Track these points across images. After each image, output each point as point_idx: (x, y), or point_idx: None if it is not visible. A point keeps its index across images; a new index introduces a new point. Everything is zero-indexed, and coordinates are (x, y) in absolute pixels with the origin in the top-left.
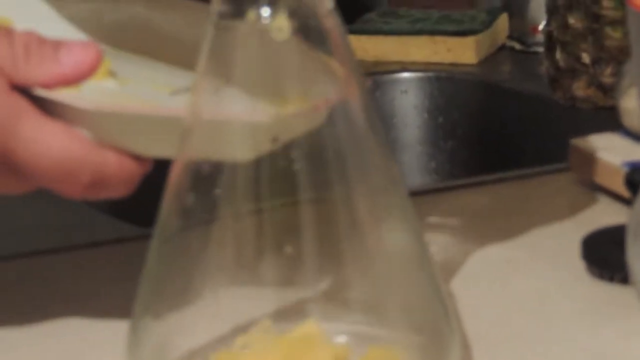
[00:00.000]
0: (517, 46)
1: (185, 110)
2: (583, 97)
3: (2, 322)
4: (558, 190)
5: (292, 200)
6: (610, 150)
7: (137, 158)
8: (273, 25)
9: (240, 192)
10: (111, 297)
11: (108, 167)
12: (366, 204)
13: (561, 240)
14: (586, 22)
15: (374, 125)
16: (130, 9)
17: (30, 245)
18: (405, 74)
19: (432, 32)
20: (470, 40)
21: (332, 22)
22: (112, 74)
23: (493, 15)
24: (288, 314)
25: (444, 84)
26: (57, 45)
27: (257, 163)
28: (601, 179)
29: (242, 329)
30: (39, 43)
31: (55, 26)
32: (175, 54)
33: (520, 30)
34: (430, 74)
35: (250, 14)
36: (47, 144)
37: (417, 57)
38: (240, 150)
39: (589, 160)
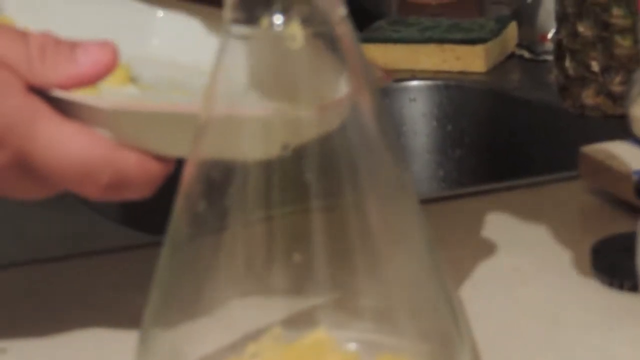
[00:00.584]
0: (526, 54)
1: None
2: (592, 106)
3: (14, 328)
4: (567, 198)
5: (303, 208)
6: (620, 159)
7: (158, 158)
8: (286, 33)
9: (251, 200)
10: (122, 305)
11: (129, 168)
12: (377, 212)
13: (571, 248)
14: (595, 31)
15: (386, 133)
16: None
17: (41, 253)
18: (414, 82)
19: (441, 41)
20: (479, 49)
21: (344, 29)
22: (132, 80)
23: (502, 24)
24: (298, 322)
25: (453, 92)
26: (73, 45)
27: (269, 170)
28: (611, 187)
29: (252, 337)
30: (54, 44)
31: (70, 26)
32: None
33: (530, 39)
34: (439, 82)
35: (263, 22)
36: (65, 145)
37: (426, 65)
38: (251, 150)
39: (598, 168)
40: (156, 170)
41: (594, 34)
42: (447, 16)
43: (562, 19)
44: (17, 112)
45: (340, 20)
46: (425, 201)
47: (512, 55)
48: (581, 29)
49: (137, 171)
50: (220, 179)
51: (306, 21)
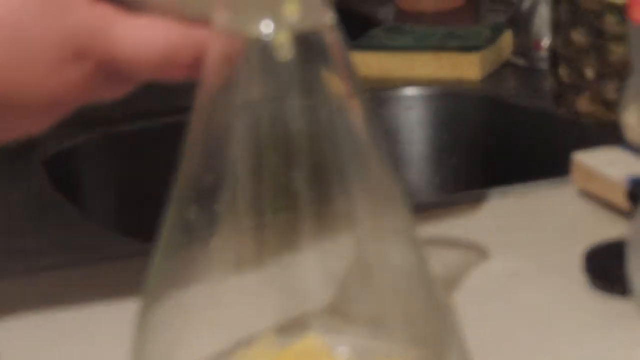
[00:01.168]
0: (521, 62)
1: None
2: (586, 112)
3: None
4: (561, 203)
5: (294, 215)
6: (613, 165)
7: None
8: (275, 41)
9: (242, 207)
10: (121, 311)
11: (206, 43)
12: (367, 219)
13: (564, 253)
14: (590, 38)
15: (376, 142)
16: None
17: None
18: (410, 90)
19: (437, 48)
20: (474, 57)
21: (333, 37)
22: None
23: (497, 32)
24: (290, 328)
25: (449, 100)
26: None
27: (259, 177)
28: (603, 192)
29: (244, 343)
30: None
31: None
32: None
33: (524, 46)
34: (434, 90)
35: (252, 29)
36: (143, 37)
37: (422, 73)
38: None
39: (591, 174)
40: (231, 44)
41: (587, 42)
42: (443, 24)
43: (556, 26)
44: (88, 22)
45: (329, 28)
46: (422, 207)
47: (507, 63)
48: (575, 36)
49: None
50: (210, 185)
51: (295, 27)
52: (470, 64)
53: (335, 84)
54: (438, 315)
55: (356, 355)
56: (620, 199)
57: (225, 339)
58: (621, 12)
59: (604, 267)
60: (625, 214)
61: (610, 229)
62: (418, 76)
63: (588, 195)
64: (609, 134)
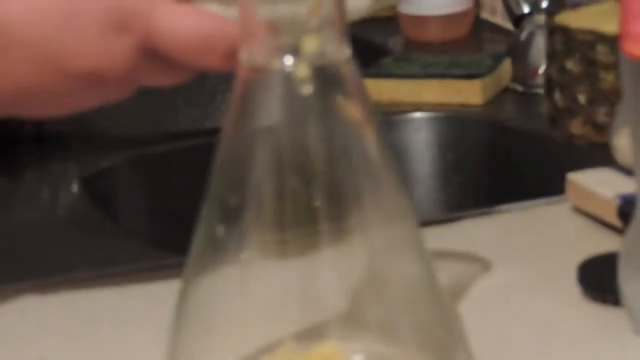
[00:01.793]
0: (520, 88)
1: None
2: (579, 135)
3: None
4: (556, 219)
5: (313, 231)
6: (604, 184)
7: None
8: (295, 73)
9: (267, 223)
10: (150, 320)
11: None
12: (380, 234)
13: (559, 266)
14: (582, 67)
15: (387, 163)
16: None
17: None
18: (418, 114)
19: (442, 76)
20: (476, 83)
21: (349, 69)
22: None
23: (497, 60)
24: (309, 335)
25: (453, 123)
26: None
27: (281, 196)
28: (596, 210)
29: (268, 349)
30: None
31: None
32: None
33: (522, 74)
34: (440, 114)
35: (275, 62)
36: (183, 22)
37: (429, 98)
38: None
39: (584, 192)
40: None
41: (580, 70)
42: (447, 53)
43: (551, 56)
44: (136, 1)
45: (346, 61)
46: (428, 223)
47: (506, 89)
48: (569, 65)
49: None
50: (236, 204)
51: (314, 60)
52: (473, 90)
53: (350, 111)
54: (445, 323)
55: None
56: (612, 216)
57: (250, 345)
58: (611, 42)
59: (597, 279)
60: (617, 230)
61: (602, 243)
62: (425, 101)
63: (582, 212)
64: (600, 155)
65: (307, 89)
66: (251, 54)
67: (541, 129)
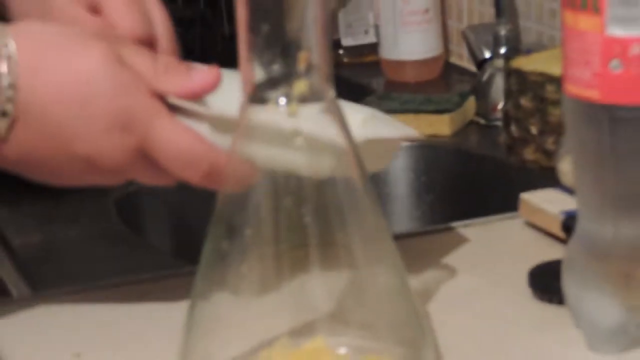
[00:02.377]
0: (482, 121)
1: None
2: (531, 160)
3: (86, 337)
4: (511, 233)
5: (304, 246)
6: (551, 202)
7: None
8: (287, 109)
9: (264, 238)
10: (172, 319)
11: (221, 164)
12: (361, 247)
13: (513, 272)
14: (534, 103)
15: (367, 187)
16: None
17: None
18: None
19: (417, 111)
20: (446, 117)
21: (334, 108)
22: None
23: (463, 98)
24: (302, 332)
25: (426, 151)
26: (189, 66)
27: (277, 215)
28: (544, 224)
29: (266, 344)
30: (176, 63)
31: None
32: None
33: (484, 109)
34: (415, 143)
35: (271, 102)
36: (176, 138)
37: None
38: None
39: (535, 209)
40: (242, 169)
41: (532, 106)
42: (422, 92)
43: (508, 94)
44: (144, 107)
45: (331, 100)
46: (404, 236)
47: (471, 122)
48: (523, 101)
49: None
50: (239, 222)
51: (304, 100)
52: (443, 123)
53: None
54: (416, 321)
55: (352, 353)
56: (557, 229)
57: (252, 341)
58: (558, 82)
59: (545, 282)
60: (561, 241)
61: (549, 252)
62: None
63: (532, 226)
64: (549, 178)
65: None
66: (251, 98)
67: (499, 155)
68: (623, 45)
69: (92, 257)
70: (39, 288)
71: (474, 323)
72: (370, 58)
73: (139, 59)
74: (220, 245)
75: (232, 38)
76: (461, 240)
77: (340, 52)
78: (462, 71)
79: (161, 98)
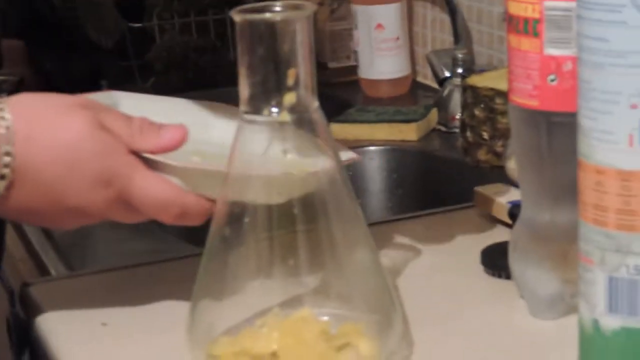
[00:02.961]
0: (443, 129)
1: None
2: (484, 160)
3: (112, 309)
4: (467, 220)
5: (292, 230)
6: (500, 194)
7: (207, 199)
8: (279, 118)
9: (259, 226)
10: (182, 293)
11: (190, 205)
12: (340, 232)
13: (468, 251)
14: (485, 113)
15: (345, 182)
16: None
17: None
18: (372, 148)
19: (390, 121)
20: (413, 126)
21: (318, 115)
22: (197, 152)
23: (427, 109)
24: (291, 304)
25: (397, 154)
26: (160, 126)
27: (270, 207)
28: (494, 212)
29: (260, 314)
30: (148, 124)
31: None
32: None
33: (445, 119)
34: (388, 147)
35: (265, 111)
36: (152, 188)
37: (380, 137)
38: (256, 197)
39: (487, 200)
40: (207, 207)
41: (484, 115)
42: (393, 105)
43: (464, 106)
44: (123, 164)
45: (315, 109)
46: (378, 223)
47: (434, 129)
48: (477, 112)
49: (194, 207)
50: (239, 211)
51: (292, 110)
52: (410, 130)
53: (319, 145)
54: (387, 293)
55: (334, 320)
56: (505, 216)
57: (248, 312)
58: (505, 96)
59: (495, 260)
60: (508, 226)
61: (498, 235)
62: (377, 139)
63: (485, 214)
64: (498, 174)
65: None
66: (248, 107)
67: (457, 156)
68: (558, 62)
69: (119, 243)
70: (74, 269)
71: (435, 294)
72: (351, 78)
73: (117, 122)
74: (223, 231)
75: (236, 63)
76: (425, 227)
77: (327, 73)
78: (427, 88)
79: (137, 155)
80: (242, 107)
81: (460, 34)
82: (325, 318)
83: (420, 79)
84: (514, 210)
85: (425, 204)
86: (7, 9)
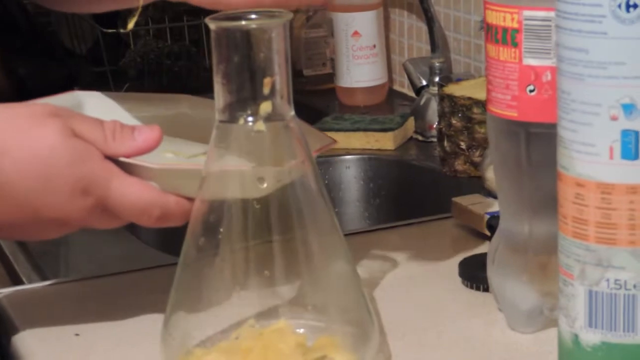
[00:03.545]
0: (420, 138)
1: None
2: (461, 170)
3: (84, 320)
4: (444, 231)
5: (268, 240)
6: (478, 205)
7: (187, 199)
8: (254, 127)
9: (235, 235)
10: (157, 304)
11: (170, 206)
12: (316, 242)
13: (445, 263)
14: (463, 123)
15: (321, 191)
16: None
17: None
18: (349, 156)
19: (366, 129)
20: (390, 134)
21: (294, 123)
22: (171, 151)
23: (404, 118)
24: (266, 315)
25: (373, 162)
26: (132, 128)
27: (246, 215)
28: (472, 223)
29: (236, 325)
30: (120, 127)
31: (130, 121)
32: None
33: (422, 128)
34: (364, 156)
35: (240, 120)
36: (130, 192)
37: (356, 145)
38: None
39: (464, 211)
40: (187, 207)
41: (462, 125)
42: (370, 114)
43: (442, 115)
44: (99, 171)
45: (291, 118)
46: (355, 233)
47: (411, 138)
48: (454, 121)
49: (175, 208)
50: (214, 220)
51: (269, 119)
52: (387, 139)
53: (294, 154)
54: (363, 305)
55: (310, 332)
56: (482, 227)
57: (224, 323)
58: (483, 105)
59: (473, 272)
60: (486, 237)
61: (476, 247)
62: (354, 147)
63: (462, 225)
64: (475, 185)
65: (262, 135)
66: (223, 116)
67: (435, 166)
68: (537, 73)
69: (93, 250)
70: (47, 277)
71: (412, 307)
72: (327, 86)
73: (89, 128)
74: (198, 241)
75: (211, 69)
76: (402, 237)
77: (303, 80)
78: (403, 96)
79: (112, 160)
80: (218, 115)
81: (437, 42)
82: (301, 330)
83: (396, 87)
84: (492, 222)
85: (402, 214)
86: None
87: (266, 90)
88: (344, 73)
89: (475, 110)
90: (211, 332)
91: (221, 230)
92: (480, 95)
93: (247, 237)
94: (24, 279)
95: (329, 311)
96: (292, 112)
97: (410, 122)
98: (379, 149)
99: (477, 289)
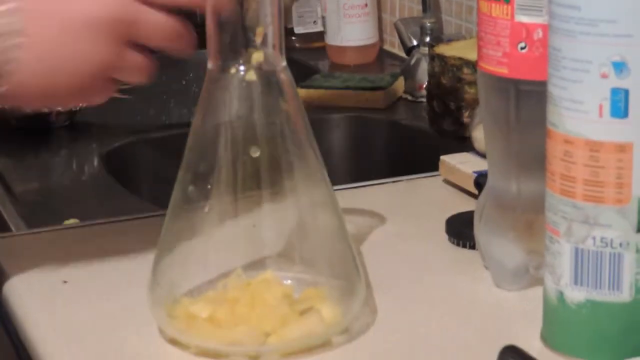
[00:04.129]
0: (410, 97)
1: None
2: (450, 130)
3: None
4: (432, 189)
5: (257, 192)
6: (466, 164)
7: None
8: (246, 77)
9: (224, 186)
10: (144, 252)
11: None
12: (305, 194)
13: (433, 220)
14: (453, 83)
15: (311, 143)
16: None
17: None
18: (338, 114)
19: (356, 88)
20: (380, 94)
21: (285, 75)
22: None
23: (394, 78)
24: (254, 266)
25: (363, 121)
26: None
27: (236, 166)
28: (459, 182)
29: (223, 276)
30: None
31: None
32: None
33: (411, 88)
34: (354, 114)
35: (232, 70)
36: (161, 19)
37: (347, 103)
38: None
39: (452, 169)
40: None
41: (451, 85)
42: (360, 72)
43: (431, 75)
44: (128, 5)
45: (282, 69)
46: (343, 189)
47: (400, 98)
48: (444, 81)
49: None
50: (204, 170)
51: (259, 69)
52: (377, 98)
53: (285, 105)
54: (351, 259)
55: (297, 284)
56: (470, 186)
57: (211, 273)
58: (473, 66)
59: (459, 230)
60: (473, 196)
61: (463, 205)
62: (343, 105)
63: (450, 183)
64: (464, 144)
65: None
66: (215, 65)
67: (424, 126)
68: (528, 30)
69: (82, 201)
70: (35, 226)
71: (398, 262)
72: (317, 44)
73: None
74: (187, 190)
75: (203, 24)
76: (390, 194)
77: (293, 38)
78: (394, 56)
79: None
80: (210, 64)
81: (428, 2)
82: (289, 282)
83: (387, 47)
84: (480, 180)
85: (390, 172)
86: None
87: (258, 39)
88: (334, 31)
89: (465, 70)
90: (198, 282)
91: (210, 179)
92: (471, 55)
93: (236, 187)
94: (12, 227)
95: (316, 264)
96: (284, 63)
97: (400, 82)
98: (368, 108)
99: (464, 246)
